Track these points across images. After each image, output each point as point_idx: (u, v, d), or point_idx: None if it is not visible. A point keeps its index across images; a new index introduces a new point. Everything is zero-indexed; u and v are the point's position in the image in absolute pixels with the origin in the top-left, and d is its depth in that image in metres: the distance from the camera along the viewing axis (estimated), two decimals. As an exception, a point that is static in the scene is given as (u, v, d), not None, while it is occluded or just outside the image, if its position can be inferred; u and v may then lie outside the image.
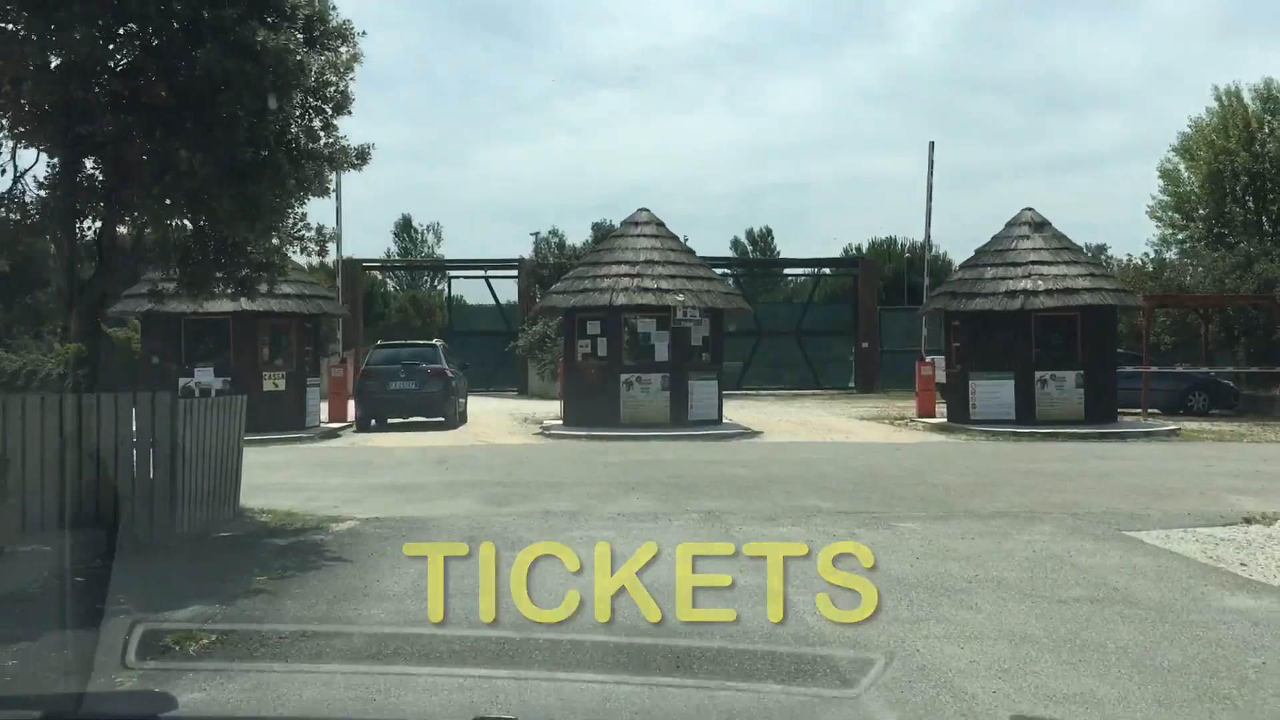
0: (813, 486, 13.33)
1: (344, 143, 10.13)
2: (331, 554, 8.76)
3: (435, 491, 13.01)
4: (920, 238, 66.06)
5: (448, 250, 79.99)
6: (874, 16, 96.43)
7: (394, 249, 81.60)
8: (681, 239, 23.52)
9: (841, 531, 9.88)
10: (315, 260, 11.58)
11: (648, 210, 23.56)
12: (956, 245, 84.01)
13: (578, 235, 67.50)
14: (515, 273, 47.69)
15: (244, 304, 20.46)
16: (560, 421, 23.65)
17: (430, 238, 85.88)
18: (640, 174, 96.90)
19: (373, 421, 23.85)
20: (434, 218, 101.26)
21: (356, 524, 10.33)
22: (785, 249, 67.34)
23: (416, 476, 14.58)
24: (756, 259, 62.31)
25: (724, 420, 22.94)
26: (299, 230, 10.94)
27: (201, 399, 9.87)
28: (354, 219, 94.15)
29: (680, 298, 21.61)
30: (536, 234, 46.81)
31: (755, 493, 12.75)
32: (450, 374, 24.58)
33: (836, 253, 60.45)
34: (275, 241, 10.93)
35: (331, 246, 11.52)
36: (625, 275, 21.90)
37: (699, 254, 24.39)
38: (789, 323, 48.25)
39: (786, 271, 59.28)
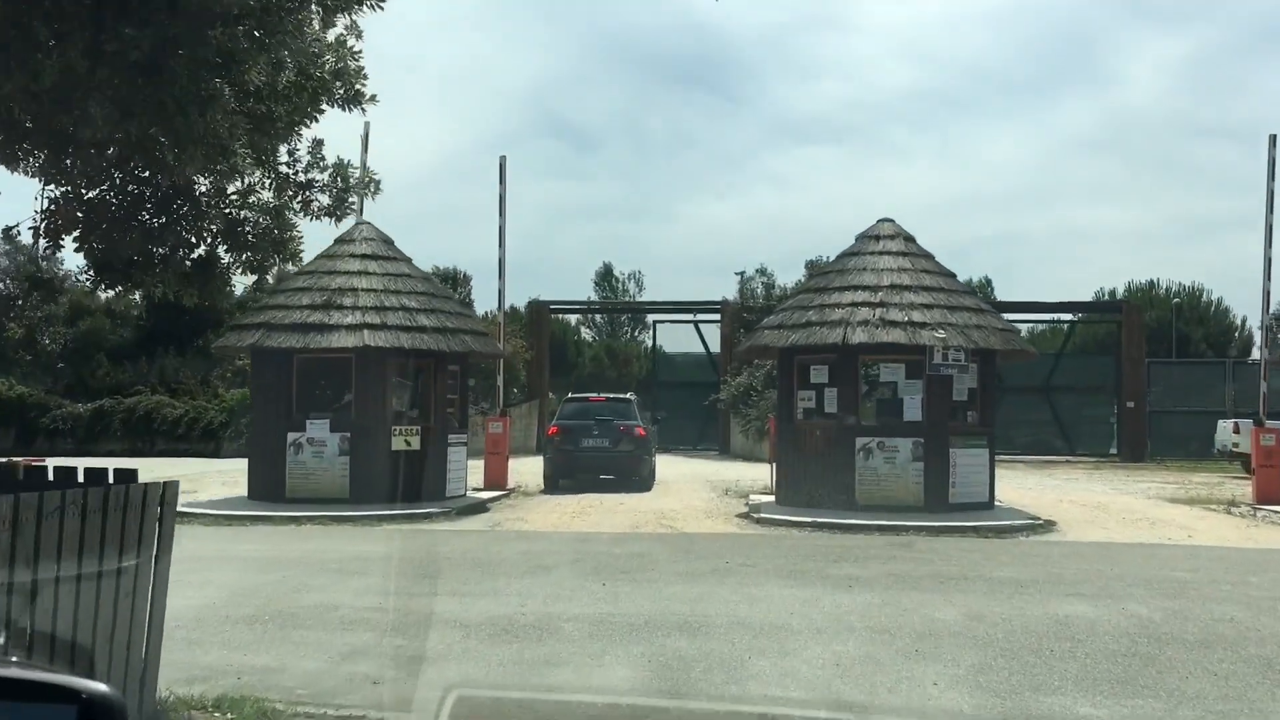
0: (1248, 661, 7.27)
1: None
2: None
3: (570, 643, 7.58)
4: (1188, 280, 57.56)
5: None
6: (1091, 63, 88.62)
7: (594, 298, 78.09)
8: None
9: None
10: (327, 220, 6.06)
11: (892, 221, 17.80)
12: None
13: (789, 274, 61.95)
14: (718, 317, 42.51)
15: (368, 338, 15.83)
16: (771, 498, 18.03)
17: (632, 286, 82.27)
18: (847, 227, 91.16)
19: (560, 481, 21.53)
20: (636, 267, 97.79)
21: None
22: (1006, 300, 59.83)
23: (554, 600, 9.20)
24: (995, 301, 54.93)
25: (996, 502, 16.81)
26: (302, 171, 5.82)
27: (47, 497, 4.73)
28: (551, 267, 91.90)
29: (940, 334, 15.72)
30: (742, 274, 41.47)
31: (1152, 673, 6.82)
32: (646, 432, 22.13)
33: (1067, 298, 52.67)
34: (264, 192, 5.80)
35: (358, 199, 6.35)
36: (864, 304, 16.18)
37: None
38: (1034, 377, 41.09)
39: (1020, 319, 51.85)
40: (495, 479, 20.20)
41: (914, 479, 15.95)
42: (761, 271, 40.80)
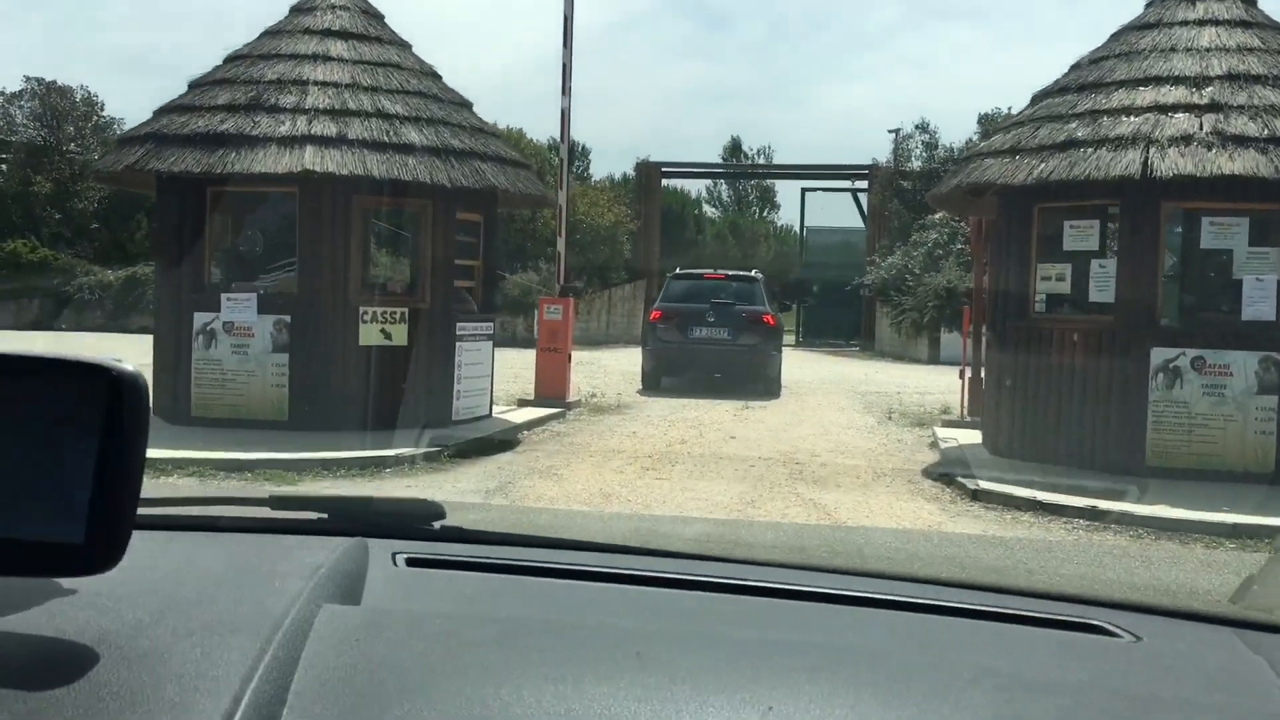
0: None
1: None
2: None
3: None
4: None
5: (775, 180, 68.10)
6: None
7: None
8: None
9: None
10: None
11: (1215, -29, 10.33)
12: None
13: (956, 132, 53.27)
14: (864, 185, 35.07)
15: (311, 158, 9.29)
16: (970, 436, 11.16)
17: (761, 162, 74.39)
18: (989, 110, 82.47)
19: (663, 380, 17.09)
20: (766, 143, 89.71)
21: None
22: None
23: None
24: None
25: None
26: None
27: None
28: (676, 149, 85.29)
29: (1339, 160, 8.41)
30: (897, 131, 33.50)
31: None
32: (775, 321, 17.35)
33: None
34: None
35: None
36: (1179, 108, 8.91)
37: None
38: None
39: None
40: (551, 388, 13.80)
41: (1258, 425, 8.83)
42: (922, 128, 32.57)
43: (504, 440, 10.72)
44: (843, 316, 33.02)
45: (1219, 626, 1.43)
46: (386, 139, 10.07)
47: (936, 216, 30.34)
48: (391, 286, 10.99)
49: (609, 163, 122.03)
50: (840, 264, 33.65)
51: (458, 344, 10.98)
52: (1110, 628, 1.35)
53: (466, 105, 11.50)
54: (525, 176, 11.41)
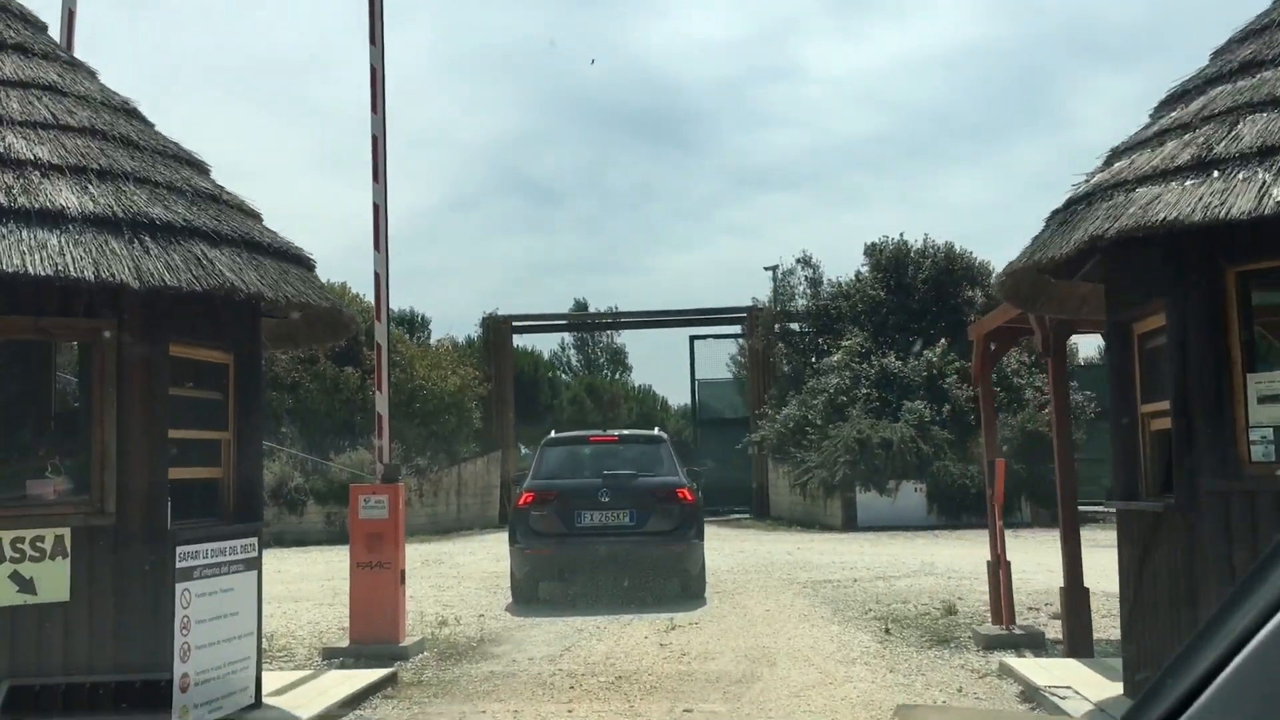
0: None
1: None
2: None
3: None
4: None
5: (625, 340, 65.57)
6: (1046, 104, 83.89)
7: (568, 339, 66.97)
8: None
9: None
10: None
11: None
12: None
13: (841, 266, 50.21)
14: (740, 330, 31.34)
15: None
16: (1072, 668, 6.59)
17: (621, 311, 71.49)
18: (876, 239, 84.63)
19: (541, 584, 12.38)
20: (612, 303, 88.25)
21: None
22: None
23: None
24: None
25: None
26: None
27: None
28: (518, 308, 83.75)
29: None
30: (775, 269, 29.78)
31: None
32: (693, 496, 12.49)
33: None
34: None
35: None
36: None
37: None
38: None
39: None
40: (376, 627, 8.84)
41: None
42: (805, 262, 28.72)
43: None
44: (740, 480, 28.58)
45: None
46: (6, 203, 5.13)
47: (835, 359, 26.53)
48: (36, 488, 5.85)
49: (452, 332, 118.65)
50: (736, 420, 29.43)
51: (181, 587, 5.87)
52: None
53: (197, 166, 6.65)
54: (301, 278, 6.51)
